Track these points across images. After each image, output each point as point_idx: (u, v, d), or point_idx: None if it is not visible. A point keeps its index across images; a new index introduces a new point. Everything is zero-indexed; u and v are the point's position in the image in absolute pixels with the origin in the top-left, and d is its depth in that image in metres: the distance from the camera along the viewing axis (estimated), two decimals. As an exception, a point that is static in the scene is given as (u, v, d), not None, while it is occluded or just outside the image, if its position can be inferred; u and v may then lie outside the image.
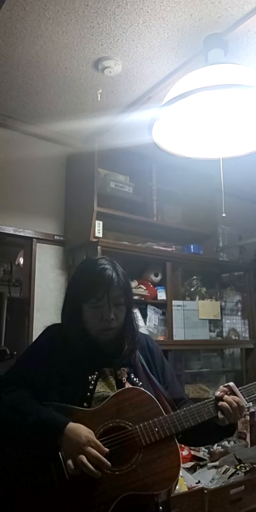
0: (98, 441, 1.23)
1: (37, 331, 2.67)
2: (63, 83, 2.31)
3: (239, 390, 1.38)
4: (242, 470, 2.52)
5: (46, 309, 2.78)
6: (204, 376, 3.29)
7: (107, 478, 1.22)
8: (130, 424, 1.28)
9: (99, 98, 2.38)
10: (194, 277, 3.24)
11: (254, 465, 2.58)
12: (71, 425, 1.24)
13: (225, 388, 1.37)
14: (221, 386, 1.39)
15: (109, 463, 1.21)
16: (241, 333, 3.41)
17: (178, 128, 2.08)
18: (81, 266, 1.49)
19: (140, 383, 1.39)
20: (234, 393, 1.36)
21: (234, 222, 3.47)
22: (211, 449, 2.65)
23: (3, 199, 2.71)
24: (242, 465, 2.57)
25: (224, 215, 2.10)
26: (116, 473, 1.23)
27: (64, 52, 2.07)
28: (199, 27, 1.90)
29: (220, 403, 1.33)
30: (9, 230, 2.70)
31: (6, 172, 2.74)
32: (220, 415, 1.32)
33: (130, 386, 1.37)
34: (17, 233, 2.72)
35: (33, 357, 1.43)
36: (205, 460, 2.62)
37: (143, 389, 1.35)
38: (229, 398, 1.34)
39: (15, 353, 2.67)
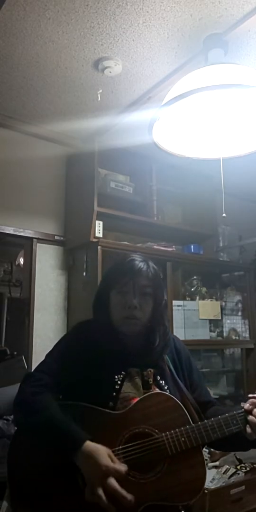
0: (117, 466, 1.17)
1: (37, 331, 2.70)
2: (63, 83, 2.31)
3: None
4: (243, 470, 2.52)
5: (47, 309, 2.78)
6: (204, 376, 3.28)
7: (132, 485, 1.19)
8: (156, 431, 1.25)
9: (99, 98, 2.38)
10: (194, 277, 3.24)
11: (255, 465, 2.58)
12: (89, 446, 1.18)
13: (254, 401, 1.33)
14: (251, 398, 1.34)
15: (129, 497, 1.15)
16: (241, 333, 3.41)
17: (178, 128, 2.08)
18: (115, 260, 1.51)
19: (166, 386, 1.36)
20: None
21: (234, 222, 3.47)
22: (211, 449, 2.65)
23: (3, 199, 2.71)
24: (242, 465, 2.57)
25: (224, 215, 2.09)
26: (141, 481, 1.21)
27: (64, 52, 2.07)
28: (199, 27, 1.90)
29: (250, 417, 1.29)
30: (9, 230, 2.70)
31: (6, 172, 2.74)
32: (248, 429, 1.28)
33: (157, 389, 1.35)
34: (17, 233, 2.73)
35: (62, 354, 1.42)
36: (205, 460, 2.62)
37: (171, 395, 1.32)
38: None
39: (15, 353, 2.67)
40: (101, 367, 1.33)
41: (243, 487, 2.43)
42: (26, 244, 2.82)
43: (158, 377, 1.37)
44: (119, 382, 1.32)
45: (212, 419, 1.30)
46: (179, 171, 3.21)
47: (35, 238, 2.79)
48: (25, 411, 1.31)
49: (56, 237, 2.89)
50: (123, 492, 1.15)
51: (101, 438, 1.22)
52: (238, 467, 2.55)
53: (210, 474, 2.48)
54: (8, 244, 3.01)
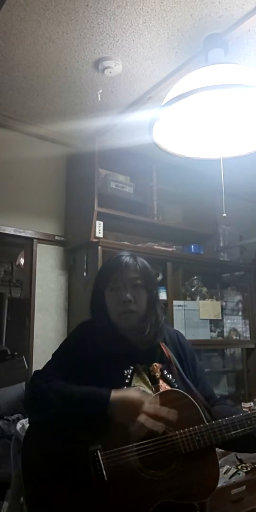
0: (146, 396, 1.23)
1: (38, 331, 2.70)
2: (63, 83, 2.31)
3: None
4: (243, 470, 2.52)
5: (47, 309, 2.79)
6: (205, 376, 3.29)
7: (145, 483, 1.20)
8: (170, 429, 1.24)
9: (99, 98, 2.39)
10: (195, 277, 3.24)
11: (255, 465, 2.58)
12: (116, 393, 1.22)
13: None
14: None
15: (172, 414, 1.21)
16: (242, 333, 3.41)
17: (178, 128, 2.08)
18: (106, 261, 1.54)
19: (174, 379, 1.37)
20: None
21: (234, 222, 3.47)
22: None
23: (3, 200, 2.71)
24: (243, 465, 2.57)
25: (224, 215, 2.10)
26: (154, 478, 1.21)
27: (64, 53, 2.07)
28: (199, 27, 1.90)
29: None
30: (10, 230, 2.70)
31: (6, 172, 2.74)
32: None
33: (165, 383, 1.35)
34: (17, 233, 2.73)
35: (68, 351, 1.44)
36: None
37: (185, 393, 1.31)
38: None
39: (16, 353, 2.67)
40: (109, 362, 1.34)
41: (244, 487, 2.42)
42: (27, 244, 2.83)
43: (165, 371, 1.38)
44: (129, 376, 1.33)
45: (226, 418, 1.28)
46: (179, 171, 3.21)
47: (36, 238, 2.79)
48: (41, 398, 1.30)
49: (56, 237, 2.89)
50: (164, 411, 1.21)
51: (115, 435, 1.23)
52: (239, 467, 2.55)
53: (211, 474, 2.48)
54: (8, 244, 3.02)
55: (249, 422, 1.28)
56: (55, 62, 2.14)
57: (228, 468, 2.51)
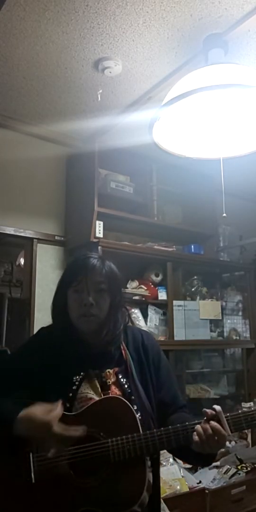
0: (52, 414, 1.19)
1: (37, 332, 2.69)
2: (63, 83, 2.31)
3: (226, 417, 1.22)
4: (243, 470, 2.52)
5: (47, 309, 2.73)
6: (205, 376, 3.29)
7: (72, 488, 1.20)
8: (103, 436, 1.23)
9: (99, 98, 2.39)
10: (195, 277, 3.24)
11: (255, 465, 2.58)
12: (24, 412, 1.20)
13: (209, 412, 1.23)
14: (208, 410, 1.24)
15: (79, 431, 1.18)
16: (242, 333, 3.41)
17: (178, 128, 2.08)
18: (71, 259, 1.51)
19: (127, 384, 1.33)
20: (218, 420, 1.21)
21: (234, 222, 3.47)
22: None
23: (3, 200, 2.71)
24: (243, 465, 2.57)
25: (224, 215, 2.09)
26: (80, 485, 1.20)
27: (64, 53, 2.07)
28: (199, 27, 1.90)
29: (196, 427, 1.22)
30: (10, 230, 2.70)
31: (6, 172, 2.74)
32: (195, 437, 1.20)
33: (117, 389, 1.33)
34: (17, 233, 2.72)
35: (20, 357, 1.44)
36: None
37: (124, 400, 1.28)
38: (206, 425, 1.20)
39: (16, 353, 2.67)
40: (59, 368, 1.33)
41: (244, 487, 2.43)
42: (27, 245, 2.82)
43: (120, 375, 1.35)
44: (76, 383, 1.31)
45: (162, 429, 1.25)
46: (179, 171, 3.20)
47: (36, 238, 2.79)
48: None
49: (56, 237, 2.89)
50: (72, 430, 1.18)
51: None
52: (239, 467, 2.55)
53: (211, 474, 2.48)
54: (8, 244, 3.01)
55: (185, 433, 1.23)
56: (55, 62, 2.14)
57: (228, 468, 2.51)
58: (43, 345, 1.40)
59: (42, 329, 1.49)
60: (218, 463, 2.58)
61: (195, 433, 1.21)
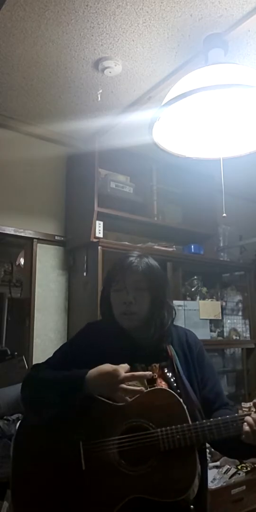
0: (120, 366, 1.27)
1: (38, 331, 2.70)
2: (63, 83, 2.31)
3: None
4: (243, 470, 2.52)
5: (47, 309, 2.79)
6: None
7: (121, 475, 1.23)
8: (153, 426, 1.26)
9: (99, 98, 2.39)
10: (195, 277, 3.24)
11: (255, 465, 2.58)
12: (91, 371, 1.27)
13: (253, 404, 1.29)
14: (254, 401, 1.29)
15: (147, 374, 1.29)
16: (242, 333, 3.41)
17: (178, 128, 2.08)
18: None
19: (173, 378, 1.37)
20: None
21: (234, 222, 3.47)
22: (212, 449, 2.65)
23: (3, 200, 2.71)
24: (243, 465, 2.57)
25: (224, 215, 2.09)
26: (130, 472, 1.23)
27: (64, 52, 2.07)
28: (199, 27, 1.90)
29: (246, 417, 1.25)
30: (10, 230, 2.70)
31: (6, 172, 2.74)
32: (245, 427, 1.24)
33: (163, 383, 1.36)
34: (17, 233, 2.73)
35: (68, 350, 1.49)
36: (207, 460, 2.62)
37: (172, 392, 1.31)
38: (251, 418, 1.24)
39: (16, 353, 2.67)
40: (107, 361, 1.34)
41: (244, 487, 2.43)
42: (27, 245, 2.82)
43: (166, 370, 1.39)
44: None
45: (211, 419, 1.28)
46: (179, 171, 3.20)
47: (36, 238, 2.79)
48: (28, 384, 1.40)
49: (56, 237, 2.89)
50: (140, 373, 1.29)
51: (100, 427, 1.27)
52: (239, 467, 2.55)
53: (211, 474, 2.48)
54: (8, 244, 3.01)
55: (235, 424, 1.26)
56: (55, 62, 2.14)
57: (228, 468, 2.51)
58: (92, 340, 1.45)
59: (88, 324, 1.55)
60: (218, 463, 2.58)
61: (245, 423, 1.24)
